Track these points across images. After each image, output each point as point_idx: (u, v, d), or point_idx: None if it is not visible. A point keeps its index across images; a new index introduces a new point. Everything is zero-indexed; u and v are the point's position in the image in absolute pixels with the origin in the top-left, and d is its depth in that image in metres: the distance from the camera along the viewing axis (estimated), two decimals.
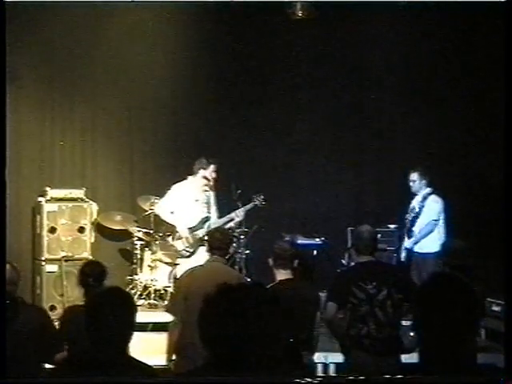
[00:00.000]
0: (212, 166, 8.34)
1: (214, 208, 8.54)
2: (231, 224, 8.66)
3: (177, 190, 8.40)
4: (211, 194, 8.50)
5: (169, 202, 8.38)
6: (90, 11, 9.34)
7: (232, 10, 9.36)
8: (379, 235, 8.52)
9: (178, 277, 7.03)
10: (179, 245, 8.27)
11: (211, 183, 8.39)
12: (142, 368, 3.47)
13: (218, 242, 5.93)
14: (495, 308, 7.94)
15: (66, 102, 9.80)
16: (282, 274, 5.73)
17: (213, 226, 8.23)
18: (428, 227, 8.79)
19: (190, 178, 8.42)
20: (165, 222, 8.53)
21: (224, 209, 8.61)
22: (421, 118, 10.24)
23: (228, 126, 10.05)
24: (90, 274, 5.33)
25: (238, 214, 8.58)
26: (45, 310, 5.61)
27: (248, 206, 8.68)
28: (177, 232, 8.29)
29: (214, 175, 8.37)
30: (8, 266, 4.91)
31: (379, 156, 10.39)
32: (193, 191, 8.39)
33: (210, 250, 5.98)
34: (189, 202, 8.33)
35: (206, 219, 8.37)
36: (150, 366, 3.58)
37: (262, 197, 8.71)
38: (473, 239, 8.38)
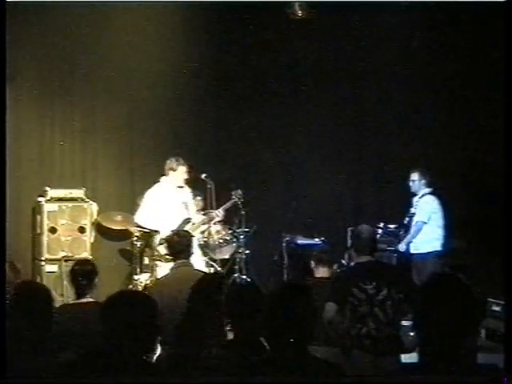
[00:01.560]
0: (181, 167, 8.27)
1: (192, 208, 8.46)
2: (211, 223, 8.61)
3: (152, 196, 8.31)
4: (188, 193, 8.39)
5: (147, 210, 8.27)
6: (90, 11, 9.33)
7: (231, 9, 9.36)
8: (379, 235, 8.60)
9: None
10: (162, 249, 7.93)
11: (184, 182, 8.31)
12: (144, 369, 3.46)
13: (178, 245, 5.80)
14: (495, 308, 7.92)
15: (65, 101, 9.78)
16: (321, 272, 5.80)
17: (193, 227, 8.17)
18: (415, 228, 8.77)
19: (162, 178, 8.37)
20: (149, 230, 8.35)
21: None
22: (421, 117, 10.24)
23: (228, 126, 10.04)
24: (81, 273, 5.32)
25: (218, 214, 8.50)
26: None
27: (228, 204, 8.63)
28: (160, 236, 8.07)
29: (185, 176, 8.30)
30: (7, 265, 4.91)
31: (379, 156, 10.39)
32: (169, 193, 8.30)
33: (173, 256, 5.84)
34: (168, 205, 8.23)
35: (188, 220, 8.29)
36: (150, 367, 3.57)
37: (240, 192, 8.66)
38: (473, 239, 8.40)
